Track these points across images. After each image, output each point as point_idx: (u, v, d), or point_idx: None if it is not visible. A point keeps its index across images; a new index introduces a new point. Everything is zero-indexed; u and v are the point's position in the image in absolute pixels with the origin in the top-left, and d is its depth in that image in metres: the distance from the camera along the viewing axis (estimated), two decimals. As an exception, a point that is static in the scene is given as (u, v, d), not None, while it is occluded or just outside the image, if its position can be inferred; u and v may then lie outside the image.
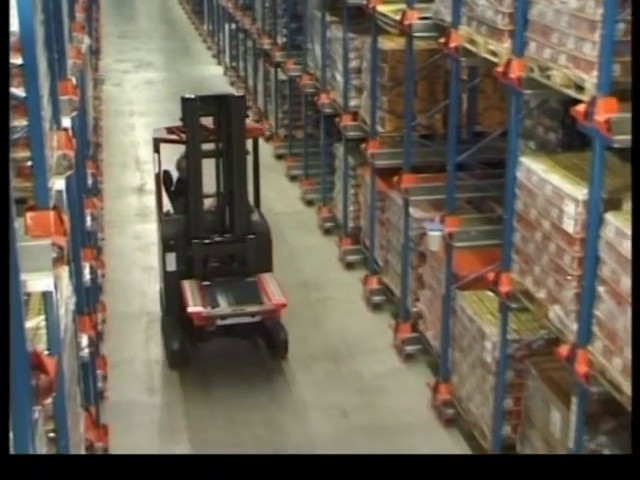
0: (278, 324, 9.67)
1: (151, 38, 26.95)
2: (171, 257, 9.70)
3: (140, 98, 20.37)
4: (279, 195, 14.25)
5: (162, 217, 10.14)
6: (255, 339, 9.93)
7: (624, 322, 5.57)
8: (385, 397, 9.23)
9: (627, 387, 5.55)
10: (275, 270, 9.82)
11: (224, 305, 9.14)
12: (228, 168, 9.64)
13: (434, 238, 8.71)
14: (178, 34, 27.86)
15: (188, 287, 9.36)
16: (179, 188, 10.28)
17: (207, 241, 9.56)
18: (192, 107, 9.41)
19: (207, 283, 9.46)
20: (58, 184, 4.94)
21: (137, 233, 13.19)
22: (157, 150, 9.93)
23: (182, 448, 8.33)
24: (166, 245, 9.73)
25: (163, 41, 26.71)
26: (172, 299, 9.77)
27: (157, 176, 10.25)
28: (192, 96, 9.45)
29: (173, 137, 9.97)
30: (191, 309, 8.99)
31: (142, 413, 8.99)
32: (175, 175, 10.46)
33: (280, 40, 15.61)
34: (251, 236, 9.61)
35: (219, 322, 9.06)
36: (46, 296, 4.42)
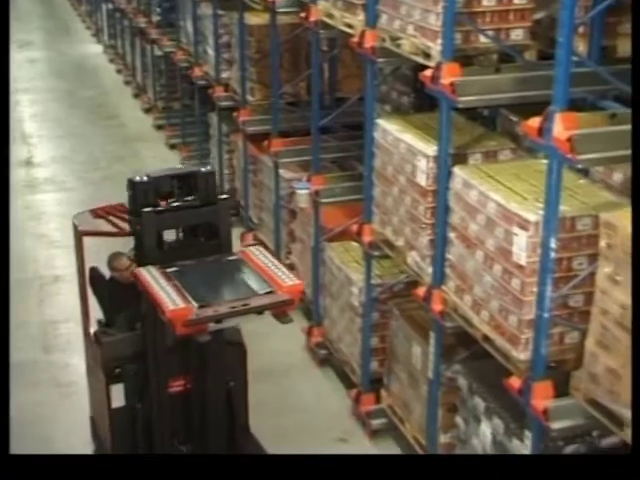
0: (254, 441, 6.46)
1: (31, 19, 25.94)
2: (117, 388, 6.33)
3: (23, 76, 19.64)
4: (161, 162, 13.97)
5: (99, 334, 6.50)
6: None
7: (473, 263, 5.69)
8: (265, 343, 9.19)
9: (476, 320, 5.68)
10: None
11: (215, 300, 5.56)
12: None
13: (302, 196, 8.78)
14: (57, 14, 26.91)
15: (149, 277, 5.70)
16: (116, 295, 6.76)
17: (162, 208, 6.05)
18: (144, 191, 5.94)
19: (174, 269, 5.82)
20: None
21: (27, 203, 12.74)
22: (80, 243, 6.51)
23: (80, 399, 8.16)
24: (110, 374, 6.27)
25: (43, 21, 25.76)
26: (121, 443, 6.37)
27: (82, 276, 6.65)
28: (143, 178, 5.95)
29: (103, 224, 6.49)
30: (170, 311, 5.35)
31: (40, 371, 8.74)
32: (107, 274, 6.90)
33: (154, 18, 15.36)
34: (224, 196, 6.33)
35: (212, 327, 5.53)
36: None
